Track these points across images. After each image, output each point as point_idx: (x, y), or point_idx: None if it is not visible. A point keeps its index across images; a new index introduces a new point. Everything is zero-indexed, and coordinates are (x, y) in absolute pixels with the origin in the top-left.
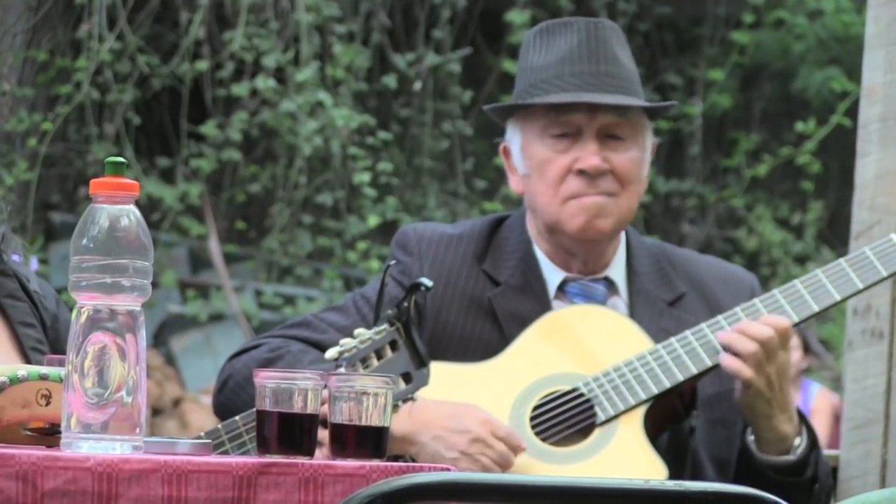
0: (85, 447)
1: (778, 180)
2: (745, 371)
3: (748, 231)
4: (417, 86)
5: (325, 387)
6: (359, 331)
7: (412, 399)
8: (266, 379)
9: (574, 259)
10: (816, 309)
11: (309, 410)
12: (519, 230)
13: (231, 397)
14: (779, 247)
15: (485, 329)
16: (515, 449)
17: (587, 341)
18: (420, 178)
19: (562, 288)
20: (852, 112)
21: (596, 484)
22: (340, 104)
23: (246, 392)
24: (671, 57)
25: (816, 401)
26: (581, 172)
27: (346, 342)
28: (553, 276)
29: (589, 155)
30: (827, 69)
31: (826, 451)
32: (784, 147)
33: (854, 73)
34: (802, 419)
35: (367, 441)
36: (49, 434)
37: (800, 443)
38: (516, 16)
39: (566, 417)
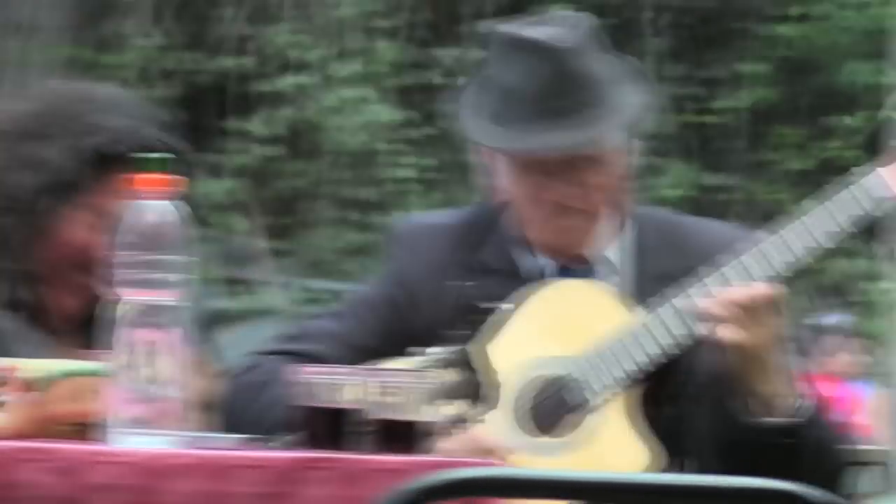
0: (129, 442)
1: (823, 174)
2: (727, 332)
3: None
4: (462, 81)
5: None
6: (431, 349)
7: (481, 421)
8: (311, 375)
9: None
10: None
11: (352, 405)
12: (508, 217)
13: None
14: None
15: (470, 322)
16: (505, 458)
17: (572, 319)
18: (465, 173)
19: (549, 274)
20: None
21: (642, 480)
22: (384, 100)
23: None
24: (715, 51)
25: (874, 402)
26: (550, 202)
27: (416, 358)
28: (539, 262)
29: (553, 189)
30: (873, 62)
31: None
32: (829, 140)
33: None
34: (798, 380)
35: (409, 435)
36: (93, 428)
37: (795, 404)
38: (562, 8)
39: (559, 405)
